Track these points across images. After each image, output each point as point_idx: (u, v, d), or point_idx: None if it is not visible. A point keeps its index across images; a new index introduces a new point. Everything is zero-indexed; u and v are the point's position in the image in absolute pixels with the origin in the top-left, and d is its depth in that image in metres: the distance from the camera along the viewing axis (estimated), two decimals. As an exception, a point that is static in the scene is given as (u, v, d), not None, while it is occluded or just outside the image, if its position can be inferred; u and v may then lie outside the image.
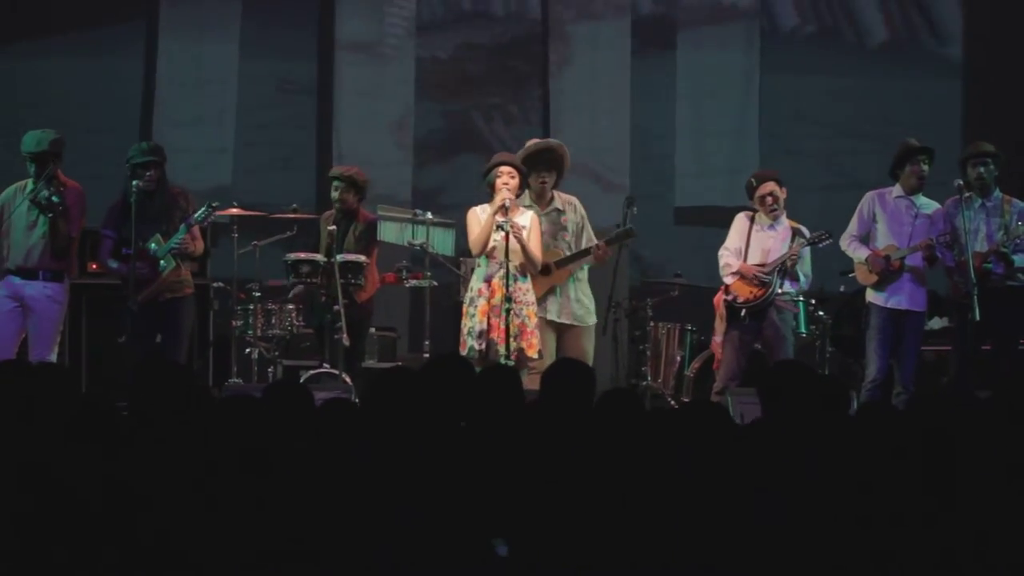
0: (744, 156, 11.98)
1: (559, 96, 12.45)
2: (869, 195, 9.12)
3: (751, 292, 8.91)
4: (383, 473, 4.05)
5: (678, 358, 10.67)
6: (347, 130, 12.22)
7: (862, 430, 4.37)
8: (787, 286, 9.00)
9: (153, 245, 8.45)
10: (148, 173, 8.48)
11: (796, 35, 12.81)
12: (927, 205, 9.00)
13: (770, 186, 9.00)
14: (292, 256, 9.38)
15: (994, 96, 12.46)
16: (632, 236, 9.05)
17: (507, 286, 8.45)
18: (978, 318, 8.51)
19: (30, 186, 8.47)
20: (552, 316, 8.88)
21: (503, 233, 8.47)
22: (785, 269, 8.93)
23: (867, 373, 8.91)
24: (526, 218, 8.72)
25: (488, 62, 12.57)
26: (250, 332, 9.63)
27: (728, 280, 9.00)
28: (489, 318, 8.51)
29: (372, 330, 10.04)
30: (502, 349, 8.41)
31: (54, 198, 8.31)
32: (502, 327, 8.45)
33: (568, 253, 8.98)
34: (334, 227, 9.37)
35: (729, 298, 8.96)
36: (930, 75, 12.77)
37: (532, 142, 9.17)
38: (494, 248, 8.59)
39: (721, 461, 4.10)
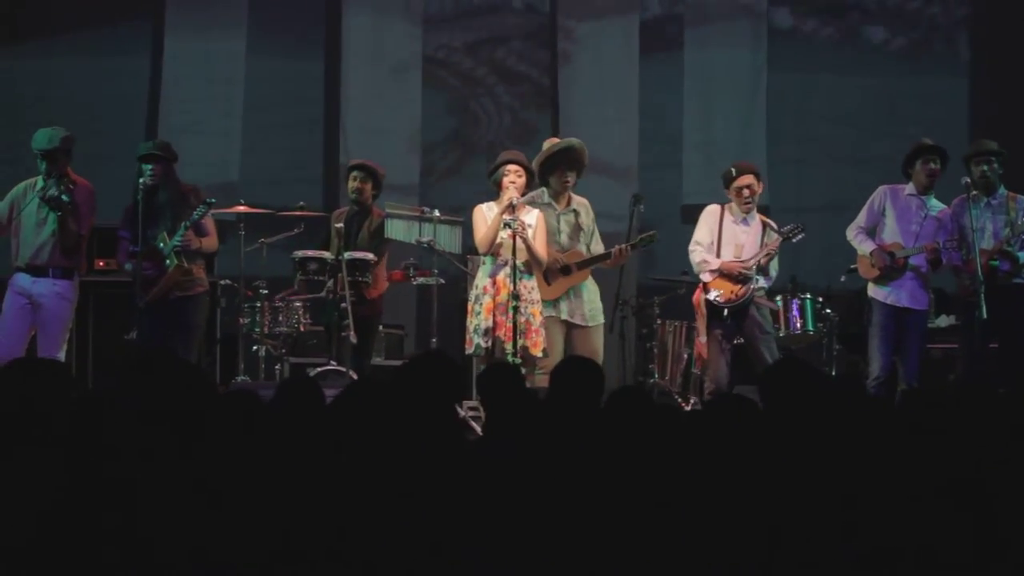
0: (751, 154, 11.95)
1: (567, 93, 12.44)
2: (882, 189, 9.11)
3: (733, 291, 8.88)
4: (386, 472, 4.05)
5: (685, 356, 10.68)
6: (354, 128, 12.21)
7: (862, 424, 4.37)
8: (761, 281, 8.98)
9: (161, 244, 8.46)
10: (151, 168, 8.48)
11: (803, 33, 12.80)
12: (937, 207, 9.00)
13: (749, 178, 8.98)
14: (299, 254, 9.40)
15: (1001, 95, 12.45)
16: (654, 241, 9.06)
17: (514, 283, 8.46)
18: (985, 316, 8.51)
19: (40, 183, 8.49)
20: (564, 315, 8.88)
21: (510, 231, 8.48)
22: (760, 264, 8.91)
23: (870, 370, 8.89)
24: (532, 217, 8.73)
25: (496, 58, 12.56)
26: (257, 330, 9.64)
27: (706, 278, 8.96)
28: (495, 316, 8.52)
29: (380, 327, 10.04)
30: (509, 347, 8.41)
31: (63, 196, 8.32)
32: (508, 324, 8.46)
33: (587, 254, 8.98)
34: (341, 225, 9.38)
35: (711, 297, 8.92)
36: (937, 73, 12.76)
37: (554, 141, 9.16)
38: (500, 246, 8.60)
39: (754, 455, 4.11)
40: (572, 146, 9.01)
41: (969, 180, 8.86)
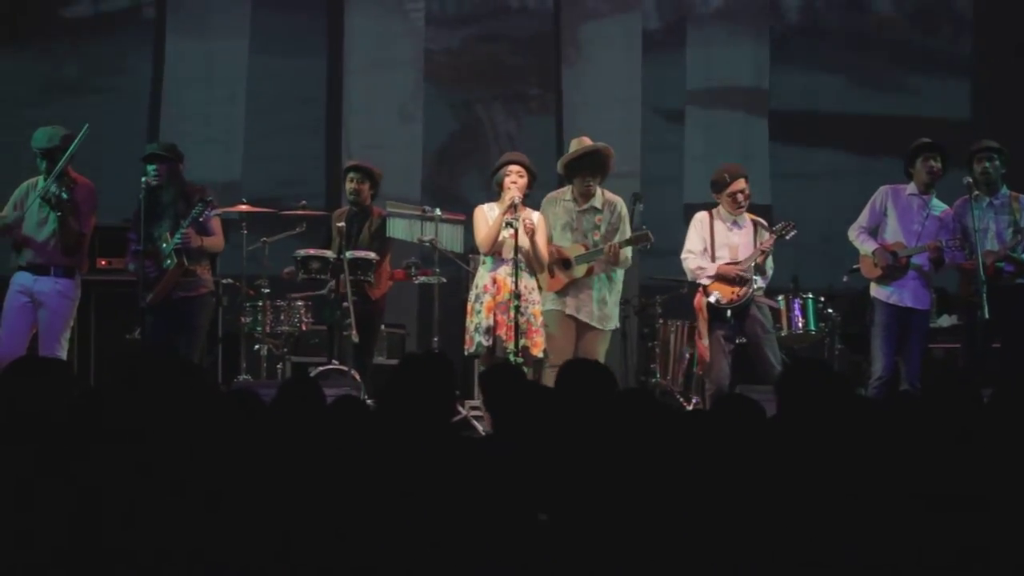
0: (754, 154, 11.95)
1: (571, 91, 12.43)
2: (884, 189, 9.10)
3: (733, 292, 8.88)
4: (389, 472, 4.05)
5: (687, 355, 10.66)
6: (356, 127, 12.21)
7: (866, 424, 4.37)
8: (759, 281, 8.97)
9: (163, 245, 8.47)
10: (155, 169, 8.49)
11: (806, 31, 12.78)
12: (939, 207, 8.99)
13: (743, 183, 8.99)
14: (302, 252, 9.40)
15: (1002, 95, 12.43)
16: (647, 240, 9.01)
17: (516, 283, 8.46)
18: (987, 316, 8.50)
19: (41, 182, 8.49)
20: (570, 311, 8.86)
21: (512, 230, 8.48)
22: (757, 264, 8.92)
23: (873, 370, 8.89)
24: (534, 218, 8.74)
25: (499, 57, 12.55)
26: (259, 329, 9.64)
27: (705, 282, 8.96)
28: (495, 315, 8.52)
29: (381, 327, 10.04)
30: (510, 346, 8.41)
31: (63, 195, 8.32)
32: (508, 324, 8.46)
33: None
34: (343, 224, 9.39)
35: (712, 300, 8.91)
36: (939, 72, 12.74)
37: (584, 141, 9.12)
38: (502, 245, 8.60)
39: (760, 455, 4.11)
40: (596, 150, 8.98)
41: (971, 180, 8.85)
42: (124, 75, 12.09)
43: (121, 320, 8.94)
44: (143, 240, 8.46)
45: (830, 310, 10.33)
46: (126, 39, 12.17)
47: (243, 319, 9.63)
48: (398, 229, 9.42)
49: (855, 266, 9.32)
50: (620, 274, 9.06)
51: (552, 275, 8.83)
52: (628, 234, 8.96)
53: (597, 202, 9.00)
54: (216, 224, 8.68)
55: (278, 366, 9.97)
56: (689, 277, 9.13)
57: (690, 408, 10.09)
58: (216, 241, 8.75)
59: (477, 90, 12.54)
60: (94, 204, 8.58)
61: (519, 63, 12.59)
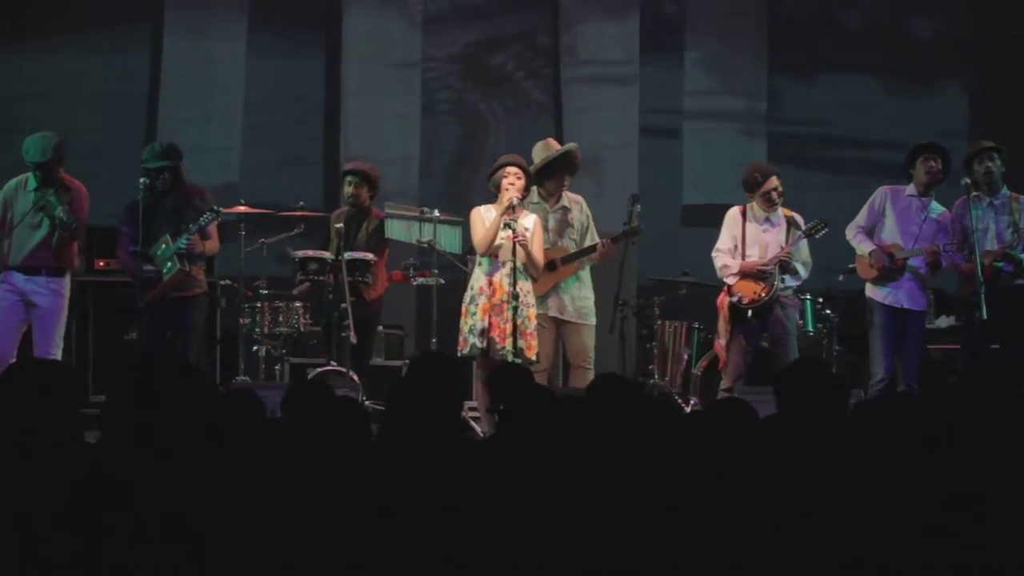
0: (752, 153, 11.94)
1: (569, 93, 12.42)
2: (883, 189, 9.11)
3: (755, 291, 8.89)
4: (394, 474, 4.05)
5: (685, 356, 10.66)
6: (354, 127, 12.20)
7: (869, 425, 4.36)
8: (788, 280, 8.98)
9: (163, 247, 8.46)
10: (163, 176, 8.52)
11: (805, 32, 12.78)
12: (937, 210, 8.99)
13: (775, 180, 9.00)
14: (300, 253, 9.40)
15: (1001, 99, 12.44)
16: (638, 234, 9.07)
17: (513, 284, 8.46)
18: (985, 317, 8.50)
19: (31, 182, 8.49)
20: (553, 312, 8.93)
21: (510, 232, 8.49)
22: (784, 263, 8.92)
23: (873, 372, 8.89)
24: (530, 220, 8.76)
25: (498, 59, 12.54)
26: (257, 330, 9.64)
27: (730, 281, 8.98)
28: (490, 317, 8.54)
29: (379, 328, 10.05)
30: (508, 346, 8.42)
31: (68, 219, 8.35)
32: (502, 326, 8.47)
33: (573, 250, 9.02)
34: (341, 225, 9.39)
35: (734, 299, 8.93)
36: (938, 74, 12.75)
37: (551, 143, 9.20)
38: (499, 247, 8.61)
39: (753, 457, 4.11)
40: (571, 152, 9.11)
41: (969, 181, 8.85)
42: (121, 76, 12.06)
43: (119, 321, 8.94)
44: (141, 242, 8.44)
45: (828, 311, 10.34)
46: (124, 39, 12.13)
47: (241, 320, 9.63)
48: (396, 230, 9.43)
49: (851, 265, 9.33)
50: (587, 269, 9.10)
51: (535, 279, 8.85)
52: (593, 231, 9.05)
53: (565, 201, 9.11)
54: (212, 228, 8.70)
55: (276, 367, 9.98)
56: (718, 275, 9.15)
57: (688, 409, 10.09)
58: (214, 245, 8.82)
59: (475, 92, 12.52)
60: (87, 207, 8.60)
61: (518, 66, 12.57)
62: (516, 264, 8.49)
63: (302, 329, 9.84)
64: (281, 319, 9.71)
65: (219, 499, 3.90)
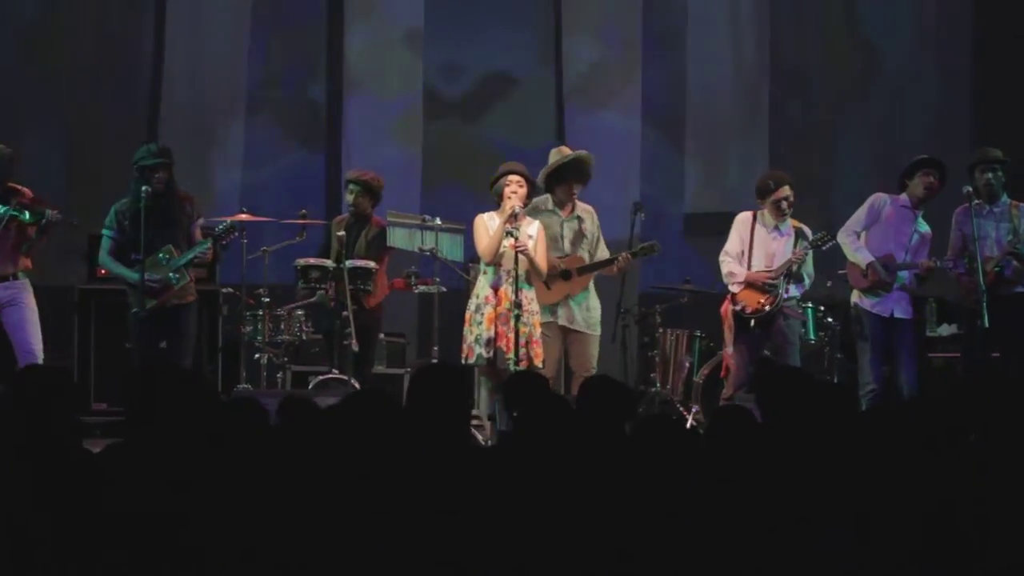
0: (754, 163, 11.94)
1: (571, 102, 12.42)
2: (882, 195, 9.09)
3: (759, 302, 8.88)
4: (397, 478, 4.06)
5: (687, 364, 10.66)
6: (356, 135, 12.19)
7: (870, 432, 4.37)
8: (792, 290, 8.97)
9: (163, 256, 8.45)
10: (157, 175, 8.46)
11: (805, 39, 12.79)
12: (923, 225, 9.00)
13: (788, 189, 8.97)
14: (301, 262, 9.40)
15: (1003, 104, 12.44)
16: (656, 251, 9.09)
17: (515, 293, 8.47)
18: (987, 325, 8.50)
19: None
20: (563, 322, 8.92)
21: (512, 240, 8.50)
22: (791, 273, 8.92)
23: (863, 381, 8.86)
24: (534, 228, 8.76)
25: (499, 67, 12.53)
26: (259, 338, 9.63)
27: (735, 289, 8.97)
28: (496, 326, 8.53)
29: (381, 336, 10.04)
30: (512, 356, 8.42)
31: (58, 216, 8.38)
32: (509, 335, 8.47)
33: (588, 260, 9.01)
34: (343, 233, 9.40)
35: (738, 308, 8.92)
36: (939, 81, 12.75)
37: (564, 151, 9.19)
38: (503, 255, 8.61)
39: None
40: (581, 159, 9.08)
41: (971, 189, 8.86)
42: (123, 80, 12.07)
43: (121, 329, 8.93)
44: (142, 248, 8.42)
45: (830, 319, 10.34)
46: (125, 42, 12.13)
47: (243, 328, 9.63)
48: (398, 238, 9.43)
49: (840, 271, 9.32)
50: (592, 278, 9.11)
51: (548, 287, 8.84)
52: (603, 241, 9.06)
53: (579, 211, 9.07)
54: (199, 234, 8.70)
55: (278, 375, 9.96)
56: (723, 281, 9.14)
57: (690, 417, 10.10)
58: (210, 253, 8.83)
59: (477, 99, 12.52)
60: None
61: (519, 73, 12.57)
62: (518, 273, 8.49)
63: (304, 337, 9.83)
64: (283, 327, 9.70)
65: (222, 505, 3.90)
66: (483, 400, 8.92)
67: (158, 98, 12.03)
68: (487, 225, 8.73)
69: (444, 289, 9.63)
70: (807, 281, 9.07)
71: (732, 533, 3.91)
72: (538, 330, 8.62)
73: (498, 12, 12.44)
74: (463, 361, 8.70)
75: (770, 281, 8.86)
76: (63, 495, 3.91)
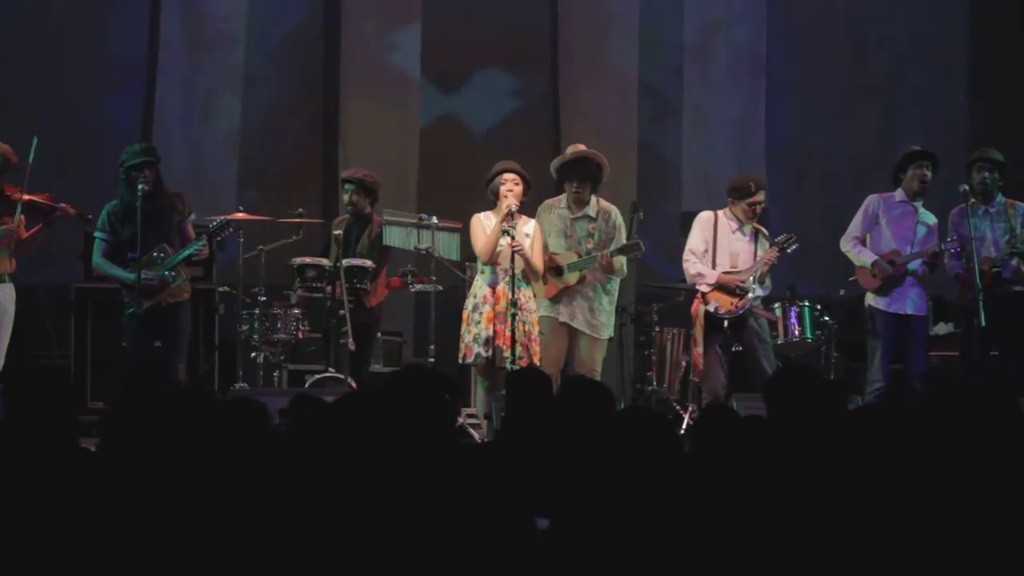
0: (751, 161, 11.95)
1: (567, 100, 12.41)
2: (874, 197, 9.11)
3: (732, 303, 8.86)
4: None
5: (683, 363, 10.66)
6: (353, 134, 12.19)
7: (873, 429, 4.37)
8: (758, 291, 8.94)
9: (157, 255, 8.44)
10: (143, 174, 8.44)
11: (803, 38, 12.80)
12: (927, 215, 9.01)
13: (763, 195, 8.98)
14: (298, 261, 9.39)
15: (1000, 102, 12.46)
16: (638, 250, 9.01)
17: (512, 292, 8.46)
18: (983, 324, 8.51)
19: None
20: (564, 319, 8.89)
21: (509, 239, 8.49)
22: (762, 274, 8.90)
23: (871, 378, 8.88)
24: (530, 226, 8.76)
25: (496, 64, 12.53)
26: (255, 336, 9.63)
27: (704, 289, 8.93)
28: (494, 325, 8.53)
29: (378, 335, 10.03)
30: (508, 354, 8.42)
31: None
32: (507, 334, 8.46)
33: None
34: (340, 232, 9.39)
35: (711, 309, 8.88)
36: (935, 82, 12.77)
37: (578, 148, 9.17)
38: (499, 254, 8.61)
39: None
40: (584, 157, 9.04)
41: (967, 187, 8.87)
42: (119, 80, 12.06)
43: (118, 328, 8.92)
44: (139, 247, 8.41)
45: (827, 318, 10.34)
46: (123, 44, 12.12)
47: (240, 327, 9.62)
48: (394, 237, 9.42)
49: (852, 278, 9.32)
50: (615, 283, 9.08)
51: (545, 282, 8.85)
52: (621, 241, 8.98)
53: (591, 210, 9.03)
54: (191, 231, 8.69)
55: (275, 374, 9.97)
56: (688, 281, 9.11)
57: (686, 416, 10.10)
58: (207, 250, 8.82)
59: (474, 98, 12.51)
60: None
61: (516, 71, 12.57)
62: (514, 272, 8.48)
63: (300, 336, 9.83)
64: (279, 325, 9.69)
65: (220, 506, 3.90)
66: (479, 399, 8.90)
67: (152, 100, 12.02)
68: (484, 224, 8.72)
69: (440, 288, 9.63)
70: (769, 284, 9.04)
71: (722, 530, 3.92)
72: (536, 328, 8.61)
73: (497, 12, 12.45)
74: (461, 360, 8.70)
75: (742, 285, 8.82)
76: (61, 493, 3.91)
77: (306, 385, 9.29)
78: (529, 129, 12.33)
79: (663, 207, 12.09)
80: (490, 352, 8.51)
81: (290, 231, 9.75)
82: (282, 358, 9.95)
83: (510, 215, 8.55)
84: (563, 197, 9.04)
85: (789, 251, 8.98)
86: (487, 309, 8.58)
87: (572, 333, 8.91)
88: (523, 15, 12.50)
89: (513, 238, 8.49)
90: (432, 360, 9.32)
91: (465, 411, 9.49)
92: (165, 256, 8.46)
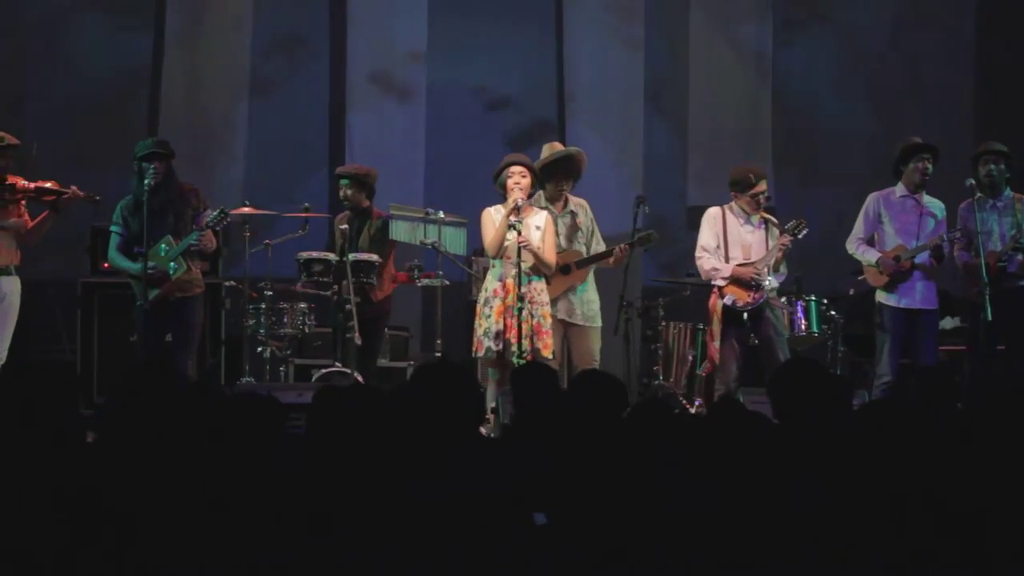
0: (757, 156, 11.93)
1: (573, 96, 12.41)
2: (873, 196, 9.09)
3: (750, 295, 8.84)
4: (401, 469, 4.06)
5: (690, 357, 10.66)
6: (359, 128, 12.19)
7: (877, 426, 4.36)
8: (772, 281, 8.92)
9: (164, 247, 8.44)
10: (153, 166, 8.44)
11: (809, 26, 12.79)
12: (932, 204, 8.99)
13: (764, 184, 8.96)
14: (304, 255, 9.39)
15: (1007, 91, 12.44)
16: (653, 240, 9.05)
17: (519, 286, 8.46)
18: (990, 318, 8.50)
19: None
20: (562, 315, 8.91)
21: (516, 233, 8.49)
22: (777, 263, 8.89)
23: (879, 373, 8.86)
24: (540, 218, 8.75)
25: (501, 56, 12.53)
26: (262, 331, 9.63)
27: (720, 283, 8.91)
28: (505, 319, 8.53)
29: (386, 329, 10.03)
30: (516, 348, 8.42)
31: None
32: (515, 327, 8.46)
33: (585, 254, 9.00)
34: (346, 226, 9.39)
35: (728, 303, 8.86)
36: (943, 74, 12.75)
37: (555, 146, 9.20)
38: (507, 248, 8.61)
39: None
40: (569, 155, 9.08)
41: (973, 182, 8.85)
42: (123, 75, 12.07)
43: (124, 322, 8.92)
44: (144, 240, 8.42)
45: (833, 312, 10.33)
46: (126, 42, 12.12)
47: (246, 321, 9.63)
48: (401, 231, 9.42)
49: (860, 277, 9.31)
50: (592, 271, 9.10)
51: (548, 283, 8.84)
52: (598, 233, 9.05)
53: (571, 205, 9.06)
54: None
55: (281, 368, 9.98)
56: (703, 277, 9.10)
57: (693, 410, 10.09)
58: (213, 242, 8.81)
59: (480, 91, 12.51)
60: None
61: (521, 64, 12.57)
62: (520, 265, 8.48)
63: (307, 330, 9.84)
64: (286, 320, 9.70)
65: (231, 502, 3.91)
66: (489, 392, 8.90)
67: (158, 92, 12.02)
68: (493, 218, 8.72)
69: (447, 282, 9.63)
70: (784, 272, 9.03)
71: (729, 528, 3.91)
72: (548, 321, 8.62)
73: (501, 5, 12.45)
74: (472, 354, 8.70)
75: (757, 277, 8.81)
76: (65, 488, 3.91)
77: (312, 380, 9.29)
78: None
79: (669, 201, 12.08)
80: (500, 346, 8.51)
81: (296, 225, 9.76)
82: (289, 353, 9.95)
83: (516, 209, 8.54)
84: (539, 196, 9.02)
85: (800, 236, 8.95)
86: (497, 303, 8.58)
87: (567, 328, 8.93)
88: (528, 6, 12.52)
89: (520, 233, 8.48)
90: (438, 355, 9.34)
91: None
92: (170, 248, 8.46)
